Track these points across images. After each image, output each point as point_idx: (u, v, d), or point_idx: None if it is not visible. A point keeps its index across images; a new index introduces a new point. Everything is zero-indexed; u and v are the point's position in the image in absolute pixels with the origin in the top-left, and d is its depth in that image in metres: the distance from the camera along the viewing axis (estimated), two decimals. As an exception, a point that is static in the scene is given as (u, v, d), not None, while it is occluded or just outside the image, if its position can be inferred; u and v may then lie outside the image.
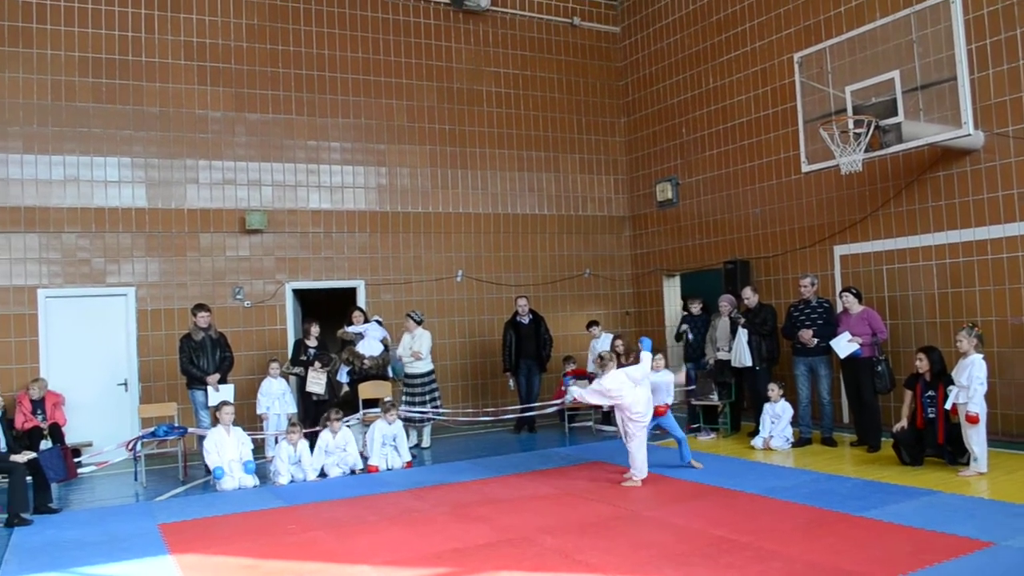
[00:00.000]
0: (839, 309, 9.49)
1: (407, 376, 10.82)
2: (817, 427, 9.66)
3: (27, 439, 9.09)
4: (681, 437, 8.54)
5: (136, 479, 9.24)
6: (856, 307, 9.19)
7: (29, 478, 7.67)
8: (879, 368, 8.88)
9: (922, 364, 7.94)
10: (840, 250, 10.73)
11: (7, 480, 7.41)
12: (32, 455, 7.88)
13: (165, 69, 11.21)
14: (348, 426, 9.69)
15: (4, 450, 7.92)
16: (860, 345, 8.96)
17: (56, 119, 10.61)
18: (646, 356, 8.17)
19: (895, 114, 8.78)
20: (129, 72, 11.00)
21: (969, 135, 8.46)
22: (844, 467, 8.25)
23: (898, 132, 8.81)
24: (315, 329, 10.53)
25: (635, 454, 7.87)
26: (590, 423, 11.81)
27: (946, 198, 9.50)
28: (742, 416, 10.71)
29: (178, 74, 11.28)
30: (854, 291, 9.30)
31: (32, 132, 10.50)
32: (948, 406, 7.62)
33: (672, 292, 13.67)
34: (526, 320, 11.73)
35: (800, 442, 9.49)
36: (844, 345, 9.04)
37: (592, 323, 12.02)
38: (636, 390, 7.90)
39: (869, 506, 6.46)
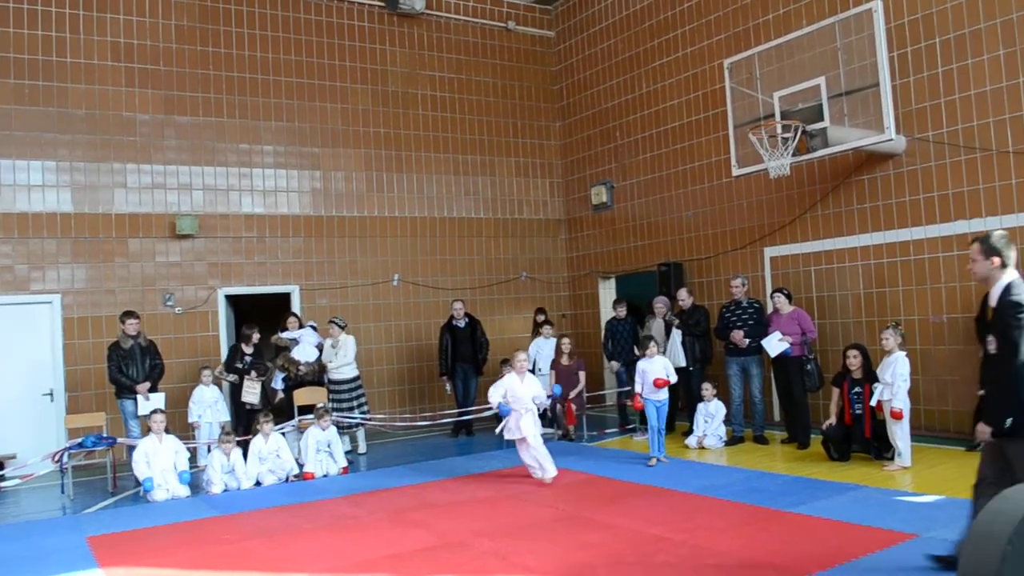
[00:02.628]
0: (770, 309, 9.72)
1: (332, 383, 10.71)
2: (749, 425, 9.88)
3: (-54, 453, 8.77)
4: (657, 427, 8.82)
5: (63, 492, 8.97)
6: (787, 307, 9.42)
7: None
8: (808, 367, 9.12)
9: (855, 361, 8.15)
10: (770, 252, 10.97)
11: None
12: (-49, 469, 7.60)
13: (92, 70, 10.92)
14: (283, 433, 9.57)
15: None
16: (790, 344, 9.18)
17: (-25, 121, 10.27)
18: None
19: (821, 119, 9.03)
20: (54, 74, 10.68)
21: (891, 140, 8.75)
22: (775, 464, 8.45)
23: (824, 137, 9.06)
24: (255, 335, 10.38)
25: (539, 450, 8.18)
26: (528, 425, 11.82)
27: (871, 200, 9.79)
28: (676, 416, 10.86)
29: (105, 76, 10.99)
30: (785, 292, 9.53)
31: (-51, 135, 10.14)
32: (873, 403, 7.87)
33: (608, 294, 13.81)
34: (462, 324, 11.73)
35: (733, 440, 9.68)
36: (774, 344, 9.25)
37: (544, 322, 12.03)
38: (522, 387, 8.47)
39: (799, 502, 6.63)
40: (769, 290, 10.80)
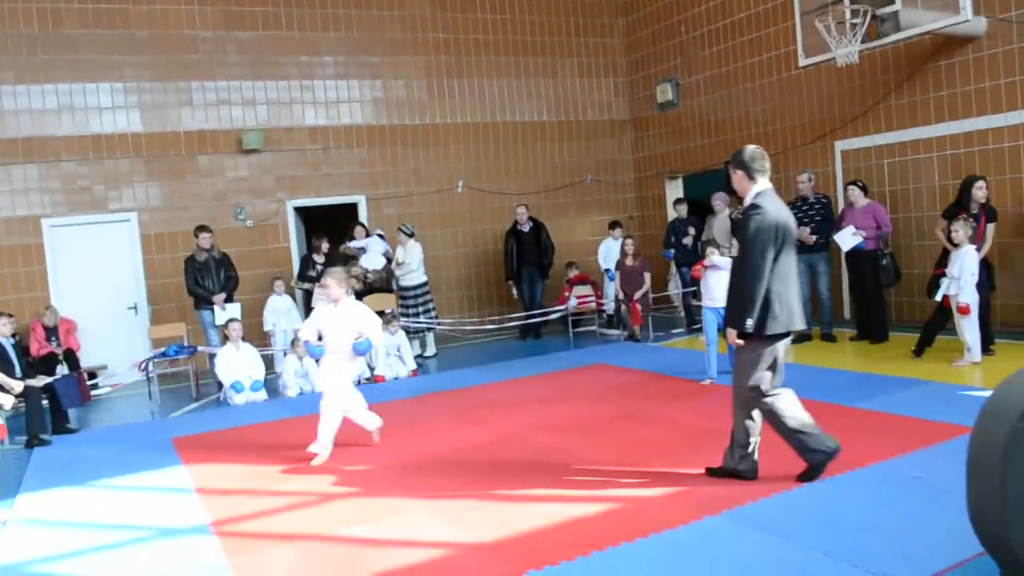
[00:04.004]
0: (842, 203, 9.44)
1: (401, 288, 10.96)
2: (817, 323, 9.74)
3: (43, 365, 9.30)
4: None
5: (150, 398, 9.50)
6: (862, 200, 9.12)
7: (45, 401, 7.91)
8: (884, 262, 8.88)
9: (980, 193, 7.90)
10: (841, 145, 10.61)
11: (24, 405, 7.63)
12: (47, 379, 8.09)
13: (152, -11, 11.04)
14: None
15: (20, 376, 8.14)
16: (864, 239, 8.93)
17: (45, 47, 10.52)
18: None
19: (892, 2, 8.56)
20: (115, -6, 10.84)
21: (968, 20, 8.25)
22: (842, 360, 8.38)
23: (896, 21, 8.60)
24: (325, 245, 10.63)
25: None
26: (594, 327, 11.94)
27: (948, 88, 9.32)
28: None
29: (166, -7, 11.11)
30: (860, 184, 9.21)
31: (22, 62, 10.42)
32: (939, 297, 7.67)
33: (675, 195, 13.61)
34: (527, 228, 11.76)
35: (800, 338, 9.58)
36: (848, 239, 9.03)
37: (615, 223, 12.18)
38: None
39: (861, 397, 6.59)
40: (840, 185, 10.52)
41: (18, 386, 5.26)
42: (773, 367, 4.70)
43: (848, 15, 8.67)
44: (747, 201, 4.67)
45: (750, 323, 4.48)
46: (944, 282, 7.60)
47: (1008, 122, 8.79)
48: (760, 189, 4.61)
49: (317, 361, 7.09)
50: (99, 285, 10.82)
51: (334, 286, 6.24)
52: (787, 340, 4.74)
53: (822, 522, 4.04)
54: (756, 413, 4.77)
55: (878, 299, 9.10)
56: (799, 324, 4.65)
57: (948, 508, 4.04)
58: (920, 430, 5.51)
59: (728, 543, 3.89)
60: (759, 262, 4.46)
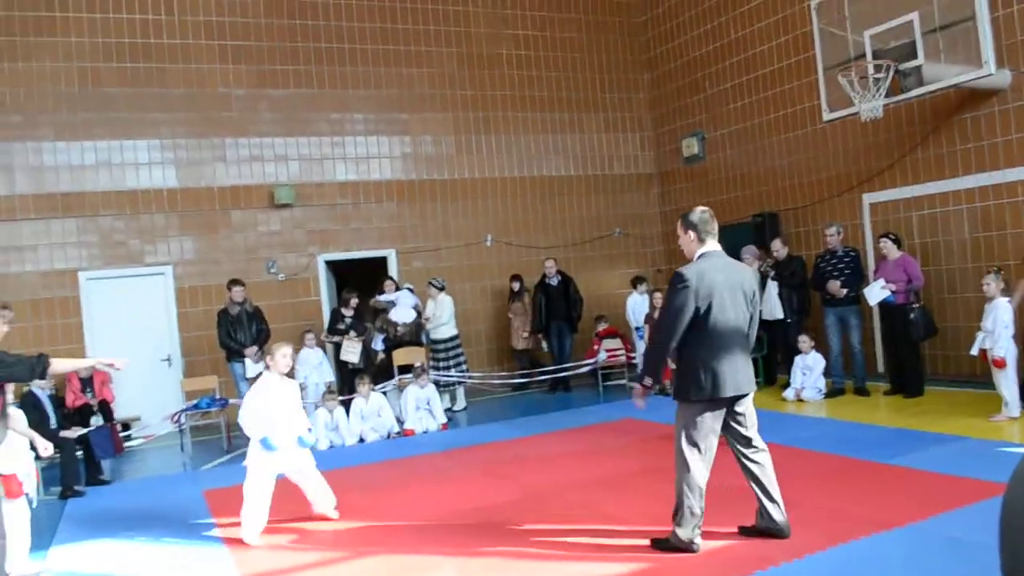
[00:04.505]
0: (871, 255, 9.40)
1: (432, 342, 11.03)
2: (850, 377, 9.63)
3: (77, 416, 9.41)
4: None
5: (182, 450, 9.58)
6: (894, 253, 9.07)
7: (80, 453, 8.00)
8: (912, 316, 8.79)
9: None
10: (869, 198, 10.60)
11: (59, 456, 7.72)
12: (81, 431, 8.20)
13: (188, 50, 11.36)
14: (384, 392, 9.92)
15: (55, 427, 8.25)
16: (893, 292, 8.87)
17: (85, 105, 10.84)
18: None
19: (915, 57, 8.61)
20: (152, 55, 11.17)
21: (991, 74, 8.28)
22: (876, 415, 8.26)
23: (919, 75, 8.65)
24: (354, 299, 10.74)
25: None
26: (624, 381, 11.90)
27: (975, 140, 9.32)
28: (775, 369, 10.70)
29: (200, 54, 11.42)
30: (892, 237, 9.17)
31: (62, 119, 10.74)
32: (975, 351, 7.59)
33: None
34: (555, 282, 11.82)
35: (833, 392, 9.49)
36: (876, 292, 8.97)
37: (638, 279, 12.22)
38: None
39: (896, 453, 6.48)
40: (869, 238, 10.50)
41: (48, 449, 5.38)
42: (721, 431, 4.71)
43: (871, 70, 8.73)
44: (693, 260, 4.71)
45: (648, 381, 4.67)
46: (979, 336, 7.53)
47: (1037, 174, 8.76)
48: (705, 251, 4.67)
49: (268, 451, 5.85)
50: (134, 337, 10.96)
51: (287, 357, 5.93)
52: (720, 404, 4.62)
53: (857, 583, 3.97)
54: (760, 461, 4.75)
55: (912, 353, 8.99)
56: (725, 392, 4.53)
57: (987, 569, 3.95)
58: (957, 488, 5.42)
59: (761, 605, 3.84)
60: (667, 328, 4.56)
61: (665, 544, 4.68)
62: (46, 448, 5.55)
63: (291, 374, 6.17)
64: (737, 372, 4.56)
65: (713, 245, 4.69)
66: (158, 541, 5.84)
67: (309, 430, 6.16)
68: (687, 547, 4.57)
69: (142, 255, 11.11)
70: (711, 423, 4.62)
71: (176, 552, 5.55)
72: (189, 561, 5.31)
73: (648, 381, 4.66)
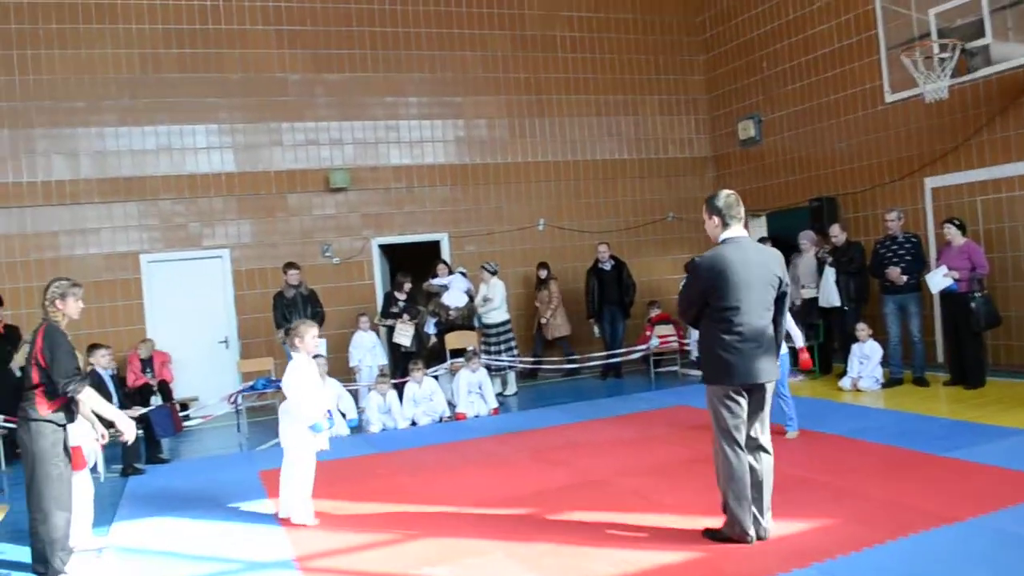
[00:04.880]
0: (932, 241, 9.15)
1: (483, 326, 11.06)
2: (908, 367, 9.42)
3: (138, 396, 9.66)
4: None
5: (238, 430, 9.76)
6: (959, 239, 8.81)
7: (141, 431, 8.20)
8: (973, 305, 8.54)
9: None
10: (931, 182, 10.31)
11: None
12: (142, 411, 8.41)
13: (245, 35, 11.49)
14: (436, 376, 9.99)
15: (118, 406, 8.45)
16: (956, 280, 8.62)
17: (146, 91, 11.04)
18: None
19: (982, 35, 8.34)
20: (211, 40, 11.32)
21: (1065, 53, 8.01)
22: (935, 407, 8.07)
23: (986, 55, 8.38)
24: (407, 283, 10.80)
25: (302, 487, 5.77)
26: (676, 368, 11.81)
27: (1044, 122, 9.01)
28: (832, 357, 10.51)
29: (257, 39, 11.54)
30: (957, 222, 8.89)
31: (125, 105, 10.96)
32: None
33: (758, 233, 13.41)
34: (608, 266, 11.75)
35: (891, 382, 9.30)
36: (938, 280, 8.74)
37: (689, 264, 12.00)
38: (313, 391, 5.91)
39: (955, 446, 6.34)
40: (931, 223, 10.23)
41: (130, 432, 5.49)
42: (748, 415, 4.60)
43: (936, 50, 8.48)
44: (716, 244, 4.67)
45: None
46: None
47: (1112, 157, 8.44)
48: (728, 236, 4.59)
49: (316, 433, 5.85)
50: (192, 319, 11.20)
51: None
52: (738, 396, 4.54)
53: (916, 579, 3.89)
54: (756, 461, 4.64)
55: (974, 342, 8.75)
56: (737, 379, 4.46)
57: (1053, 568, 3.86)
58: (1021, 483, 5.26)
59: (816, 598, 3.79)
60: (681, 311, 4.86)
61: (718, 535, 4.64)
62: (126, 432, 5.54)
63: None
64: (751, 360, 4.47)
65: (738, 231, 4.60)
66: (216, 519, 5.98)
67: (330, 413, 6.03)
68: (741, 538, 4.52)
69: (200, 238, 11.32)
70: (734, 410, 4.53)
71: (233, 530, 5.67)
72: (245, 539, 5.43)
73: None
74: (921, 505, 4.96)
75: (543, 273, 12.03)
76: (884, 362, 9.38)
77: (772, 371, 4.57)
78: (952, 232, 8.87)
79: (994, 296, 8.93)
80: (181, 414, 10.09)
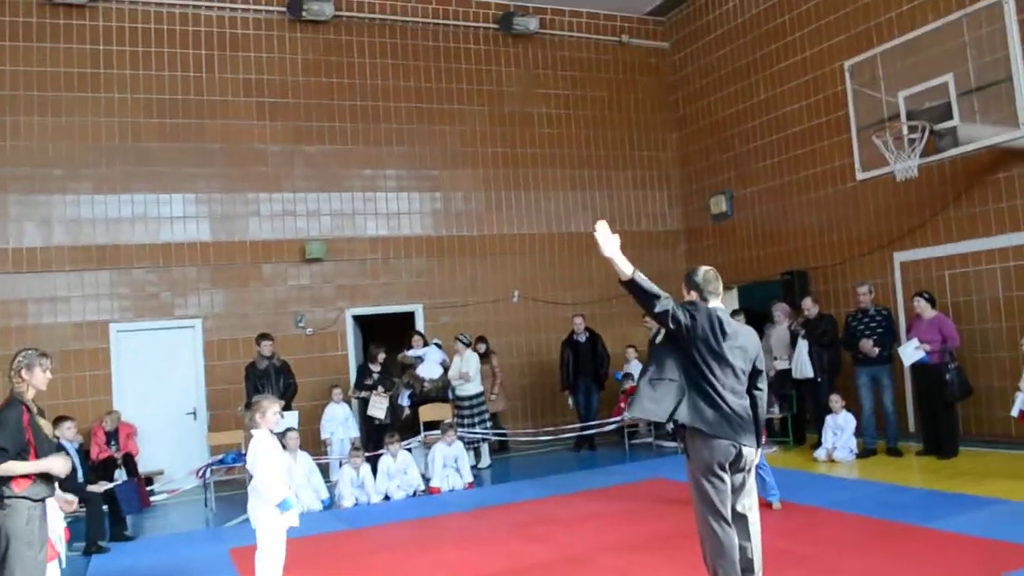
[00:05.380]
0: (902, 314, 9.31)
1: (457, 398, 10.96)
2: (882, 438, 9.48)
3: (102, 469, 9.42)
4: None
5: (206, 506, 9.51)
6: (929, 312, 8.99)
7: (105, 507, 7.97)
8: (947, 376, 8.66)
9: None
10: (900, 256, 10.53)
11: (85, 510, 7.69)
12: (108, 485, 8.19)
13: (226, 106, 11.59)
14: (409, 449, 9.85)
15: (81, 481, 8.24)
16: (928, 352, 8.77)
17: (124, 159, 11.05)
18: None
19: (950, 118, 8.63)
20: (192, 111, 11.40)
21: (1026, 135, 8.29)
22: (910, 477, 8.12)
23: (954, 136, 8.65)
24: (381, 355, 10.72)
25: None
26: (650, 439, 11.76)
27: (1008, 200, 9.27)
28: (805, 428, 10.54)
29: (238, 110, 11.65)
30: (926, 296, 9.09)
31: (102, 173, 10.95)
32: (1015, 412, 7.46)
33: (730, 305, 13.53)
34: (583, 338, 11.77)
35: (864, 453, 9.34)
36: (910, 352, 8.89)
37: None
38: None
39: (935, 516, 6.35)
40: (900, 297, 10.41)
41: (72, 504, 5.36)
42: (732, 488, 4.49)
43: (905, 131, 8.74)
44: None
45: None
46: (1018, 396, 7.40)
47: (1072, 233, 8.68)
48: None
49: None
50: (161, 389, 11.00)
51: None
52: (721, 461, 4.41)
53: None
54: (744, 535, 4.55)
55: (947, 413, 8.85)
56: (723, 436, 4.38)
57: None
58: (1001, 553, 5.27)
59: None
60: (656, 304, 4.38)
61: None
62: (70, 503, 5.51)
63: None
64: (732, 424, 4.41)
65: (717, 304, 4.64)
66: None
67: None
68: None
69: (173, 308, 11.21)
70: (717, 478, 4.42)
71: (204, 610, 5.46)
72: (217, 619, 5.23)
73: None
74: (906, 579, 4.94)
75: (482, 347, 11.75)
76: (858, 433, 9.42)
77: (753, 439, 4.55)
78: (922, 305, 9.04)
79: (964, 367, 9.05)
80: (147, 489, 9.86)
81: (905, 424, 10.12)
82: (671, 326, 4.41)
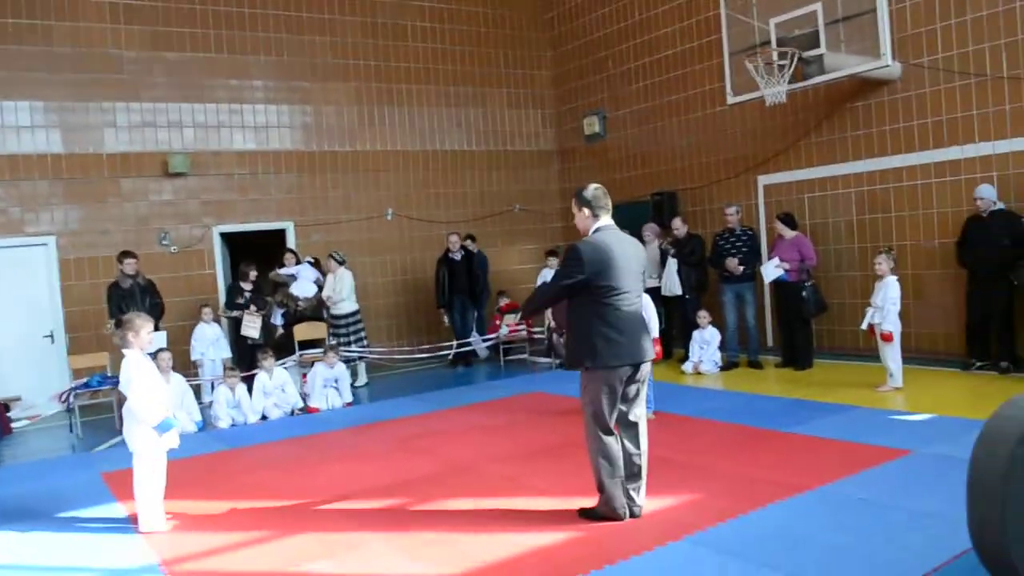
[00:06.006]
0: (764, 235, 9.79)
1: (333, 317, 10.85)
2: (744, 351, 10.04)
3: (-47, 395, 8.86)
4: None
5: (71, 431, 9.11)
6: (789, 233, 9.49)
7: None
8: (804, 293, 9.21)
9: None
10: (764, 180, 11.01)
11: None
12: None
13: (76, 7, 10.68)
14: (285, 368, 9.70)
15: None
16: (787, 271, 9.28)
17: (-41, 61, 10.10)
18: None
19: (817, 46, 8.97)
20: (36, 11, 10.47)
21: (887, 66, 8.74)
22: (771, 387, 8.67)
23: (820, 64, 9.03)
24: (253, 272, 10.41)
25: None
26: (525, 356, 12.03)
27: (865, 127, 9.80)
28: (672, 342, 11.02)
29: (89, 12, 10.77)
30: (784, 217, 9.60)
31: (-66, 75, 9.99)
32: (864, 326, 8.04)
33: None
34: (458, 256, 11.80)
35: (728, 366, 9.88)
36: (771, 271, 9.37)
37: (551, 252, 12.33)
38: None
39: (796, 422, 6.83)
40: (763, 218, 10.92)
41: None
42: (622, 400, 4.73)
43: (775, 57, 9.04)
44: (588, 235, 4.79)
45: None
46: (868, 311, 7.97)
47: (921, 161, 9.29)
48: (600, 225, 4.76)
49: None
50: (12, 311, 10.35)
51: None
52: (620, 372, 4.63)
53: (781, 544, 4.17)
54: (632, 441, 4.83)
55: (803, 328, 9.45)
56: (622, 360, 4.59)
57: (897, 526, 4.25)
58: (856, 453, 5.75)
59: (698, 569, 3.98)
60: (549, 294, 5.03)
61: (592, 514, 4.78)
62: None
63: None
64: (633, 341, 4.64)
65: (607, 220, 4.77)
66: (64, 529, 5.50)
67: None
68: (614, 515, 4.68)
69: (23, 224, 10.47)
70: (612, 392, 4.65)
71: (86, 539, 5.25)
72: (102, 547, 5.05)
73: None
74: (773, 478, 5.31)
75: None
76: (722, 347, 9.95)
77: (651, 351, 4.77)
78: (781, 227, 9.53)
79: (820, 285, 9.65)
80: (6, 415, 9.35)
81: (765, 339, 10.74)
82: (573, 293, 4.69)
